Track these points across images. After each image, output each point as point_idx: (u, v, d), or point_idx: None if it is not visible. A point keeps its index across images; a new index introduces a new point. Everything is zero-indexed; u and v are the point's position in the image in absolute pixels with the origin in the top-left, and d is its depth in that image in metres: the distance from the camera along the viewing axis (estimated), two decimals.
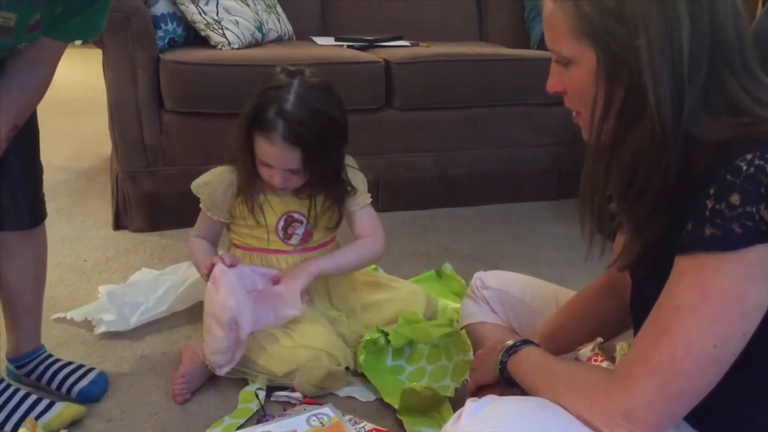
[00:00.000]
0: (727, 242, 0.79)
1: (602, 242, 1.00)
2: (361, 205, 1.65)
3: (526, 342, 1.14)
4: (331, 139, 1.49)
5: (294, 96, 1.44)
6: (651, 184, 0.89)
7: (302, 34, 2.91)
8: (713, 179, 0.81)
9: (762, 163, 0.78)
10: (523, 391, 1.09)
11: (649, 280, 0.97)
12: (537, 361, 1.07)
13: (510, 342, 1.14)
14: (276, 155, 1.46)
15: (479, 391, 1.21)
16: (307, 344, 1.50)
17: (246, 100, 1.49)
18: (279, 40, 2.75)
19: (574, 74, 0.93)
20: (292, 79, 1.46)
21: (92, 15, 1.29)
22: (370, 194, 1.67)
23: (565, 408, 0.91)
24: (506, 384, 1.15)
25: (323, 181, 1.56)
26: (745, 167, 0.79)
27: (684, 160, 0.87)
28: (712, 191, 0.81)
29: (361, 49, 2.67)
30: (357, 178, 1.64)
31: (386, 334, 1.56)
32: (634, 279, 1.06)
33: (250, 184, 1.56)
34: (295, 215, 1.61)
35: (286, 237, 1.61)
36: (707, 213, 0.81)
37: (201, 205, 1.63)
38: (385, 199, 2.59)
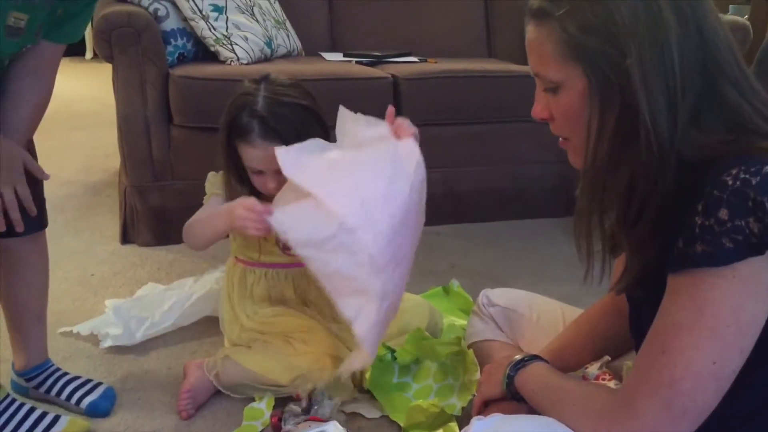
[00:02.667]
0: (719, 257, 0.79)
1: (601, 264, 0.98)
2: None
3: (534, 358, 1.13)
4: (308, 127, 1.48)
5: (262, 97, 1.47)
6: (649, 204, 0.88)
7: (311, 50, 2.93)
8: (700, 196, 0.81)
9: (747, 176, 0.78)
10: (530, 407, 1.08)
11: (644, 302, 0.96)
12: (544, 378, 1.06)
13: (518, 357, 1.14)
14: (260, 157, 1.46)
15: (486, 406, 1.20)
16: (310, 350, 1.51)
17: (221, 119, 1.52)
18: (288, 55, 2.76)
19: (563, 99, 0.92)
20: (258, 84, 1.50)
21: (84, 16, 1.32)
22: None
23: (571, 429, 0.90)
24: (513, 399, 1.14)
25: None
26: (730, 182, 0.79)
27: (673, 179, 0.86)
28: (700, 208, 0.80)
29: (370, 65, 2.68)
30: None
31: (393, 351, 1.55)
32: (630, 302, 1.05)
33: None
34: None
35: (286, 248, 1.61)
36: (697, 230, 0.80)
37: (213, 190, 1.60)
38: None
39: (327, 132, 1.53)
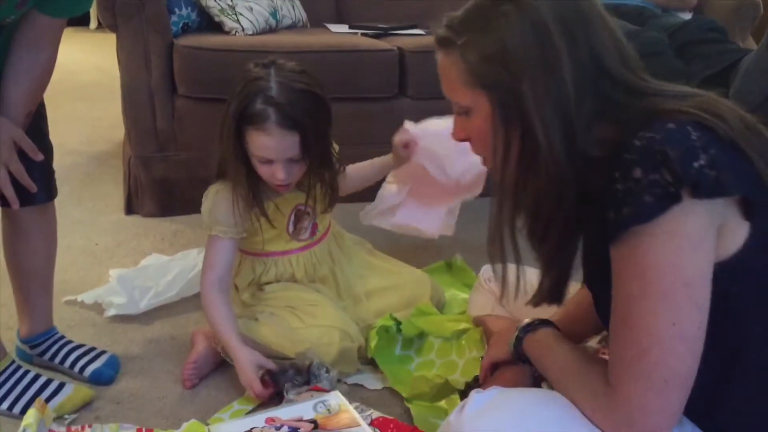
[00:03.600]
0: (644, 213, 0.81)
1: (516, 280, 1.03)
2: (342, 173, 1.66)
3: (544, 322, 1.13)
4: (321, 117, 1.46)
5: (275, 83, 1.41)
6: (554, 222, 0.94)
7: (316, 21, 2.90)
8: (616, 166, 0.84)
9: (651, 134, 0.82)
10: (536, 371, 1.09)
11: (602, 288, 0.97)
12: (552, 346, 1.06)
13: (529, 320, 1.14)
14: (274, 145, 1.41)
15: (495, 369, 1.22)
16: (318, 323, 1.51)
17: (226, 104, 1.45)
18: (293, 26, 2.74)
19: (474, 122, 0.96)
20: (268, 69, 1.44)
21: None
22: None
23: (574, 404, 0.90)
24: (519, 361, 1.15)
25: (321, 165, 1.53)
26: (638, 143, 0.82)
27: (591, 174, 0.89)
28: (617, 175, 0.83)
29: (375, 37, 2.66)
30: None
31: (399, 323, 1.55)
32: (591, 290, 1.05)
33: (254, 195, 1.51)
34: (301, 207, 1.60)
35: (296, 233, 1.61)
36: (620, 195, 0.83)
37: (215, 233, 1.51)
38: None
39: (331, 120, 1.52)
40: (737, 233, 0.84)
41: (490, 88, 0.92)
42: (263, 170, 1.46)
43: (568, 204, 0.91)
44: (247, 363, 1.42)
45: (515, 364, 1.18)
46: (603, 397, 0.86)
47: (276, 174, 1.44)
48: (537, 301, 1.06)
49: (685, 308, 0.82)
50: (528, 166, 0.92)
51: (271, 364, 1.44)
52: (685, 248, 0.81)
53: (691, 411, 0.88)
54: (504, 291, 1.05)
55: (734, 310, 0.85)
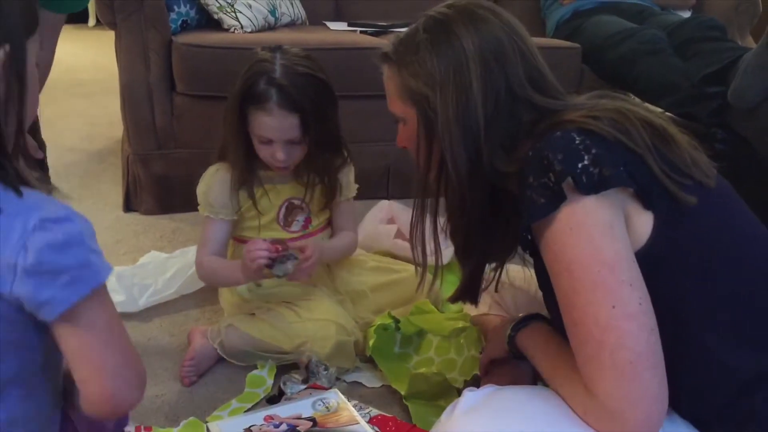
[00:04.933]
0: (538, 212, 0.90)
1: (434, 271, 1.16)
2: (347, 196, 1.66)
3: (535, 317, 1.14)
4: (323, 101, 1.49)
5: (280, 66, 1.46)
6: (460, 227, 1.08)
7: (315, 18, 2.90)
8: (520, 181, 0.94)
9: (540, 144, 0.92)
10: (532, 367, 1.11)
11: (545, 290, 1.04)
12: (542, 341, 1.08)
13: (521, 315, 1.16)
14: (275, 126, 1.45)
15: (492, 365, 1.25)
16: (314, 317, 1.52)
17: (232, 85, 1.50)
18: (292, 24, 2.74)
19: (407, 131, 1.10)
20: (274, 52, 1.49)
21: None
22: (357, 186, 1.68)
23: (567, 403, 0.90)
24: (516, 358, 1.17)
25: (322, 152, 1.55)
26: (531, 153, 0.93)
27: (502, 188, 1.02)
28: (521, 186, 0.94)
29: (374, 34, 2.66)
30: (350, 171, 1.65)
31: (397, 321, 1.55)
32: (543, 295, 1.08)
33: (248, 175, 1.55)
34: (295, 201, 1.61)
35: (287, 225, 1.62)
36: (523, 201, 0.93)
37: (207, 214, 1.57)
38: (395, 187, 2.58)
39: (337, 106, 1.53)
40: (643, 222, 0.91)
41: (418, 103, 1.04)
42: (263, 151, 1.50)
43: (475, 211, 1.04)
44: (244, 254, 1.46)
45: (512, 361, 1.19)
46: (590, 399, 0.87)
47: (275, 155, 1.48)
48: (454, 297, 1.22)
49: (617, 290, 0.85)
50: (444, 175, 1.04)
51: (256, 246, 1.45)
52: (596, 236, 0.87)
53: None
54: (421, 278, 1.18)
55: (662, 297, 0.89)
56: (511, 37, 1.03)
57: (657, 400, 0.84)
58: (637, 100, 1.00)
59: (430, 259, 1.15)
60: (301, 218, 1.63)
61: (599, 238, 0.87)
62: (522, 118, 1.01)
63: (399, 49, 1.08)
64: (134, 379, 0.85)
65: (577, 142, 0.90)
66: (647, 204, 0.91)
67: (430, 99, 1.02)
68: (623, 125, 0.93)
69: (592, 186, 0.87)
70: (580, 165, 0.88)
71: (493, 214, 1.06)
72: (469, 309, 1.57)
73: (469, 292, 1.20)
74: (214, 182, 1.56)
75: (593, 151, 0.89)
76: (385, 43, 1.14)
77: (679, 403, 0.92)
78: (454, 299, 1.22)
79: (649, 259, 0.89)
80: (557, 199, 0.88)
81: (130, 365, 0.85)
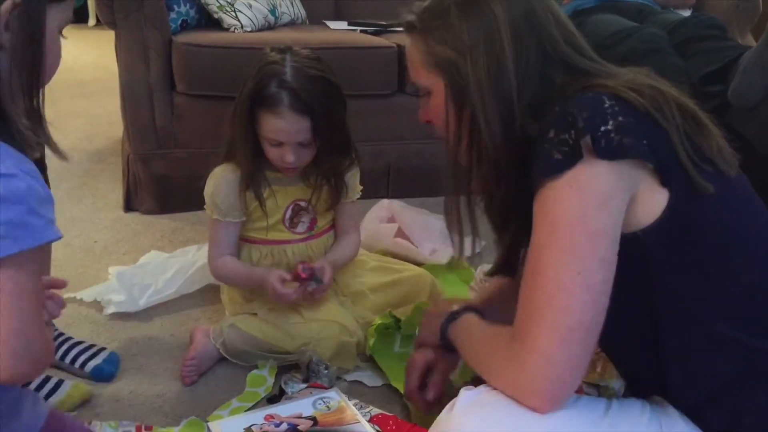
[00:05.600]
0: (552, 168, 0.88)
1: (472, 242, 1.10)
2: (352, 198, 1.66)
3: (467, 309, 1.16)
4: (333, 103, 1.49)
5: (290, 68, 1.46)
6: (495, 198, 1.05)
7: (315, 18, 2.90)
8: (540, 134, 0.92)
9: (568, 102, 0.90)
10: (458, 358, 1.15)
11: None
12: (472, 331, 1.09)
13: (454, 308, 1.17)
14: (286, 128, 1.45)
15: (421, 346, 1.28)
16: (317, 318, 1.52)
17: (241, 86, 1.49)
18: (292, 23, 2.74)
19: (433, 103, 1.05)
20: (284, 54, 1.48)
21: None
22: (361, 187, 1.68)
23: (490, 381, 0.93)
24: (446, 350, 1.19)
25: (330, 153, 1.55)
26: (557, 109, 0.91)
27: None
28: (540, 139, 0.91)
29: (374, 34, 2.66)
30: (356, 174, 1.65)
31: (398, 320, 1.55)
32: None
33: (255, 175, 1.54)
34: (302, 203, 1.60)
35: (292, 226, 1.61)
36: (537, 154, 0.90)
37: (215, 216, 1.56)
38: (396, 186, 2.58)
39: (346, 108, 1.53)
40: (656, 200, 0.89)
41: (446, 69, 1.00)
42: (273, 152, 1.49)
43: (510, 179, 0.99)
44: (275, 273, 1.50)
45: (441, 350, 1.22)
46: (511, 359, 0.88)
47: (285, 157, 1.48)
48: (492, 272, 1.16)
49: (588, 260, 0.86)
50: (476, 145, 1.00)
51: (284, 292, 1.49)
52: (591, 203, 0.87)
53: (648, 388, 0.94)
54: (459, 257, 1.13)
55: (658, 272, 0.89)
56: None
57: (574, 372, 0.86)
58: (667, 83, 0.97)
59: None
60: (306, 219, 1.63)
61: (593, 207, 0.87)
62: (555, 79, 0.98)
63: (424, 16, 1.04)
64: (22, 351, 0.80)
65: (606, 105, 0.88)
66: (665, 180, 0.89)
67: (459, 65, 0.98)
68: (658, 102, 0.91)
69: (608, 151, 0.86)
70: (602, 128, 0.86)
71: (527, 184, 1.00)
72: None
73: (507, 266, 1.15)
74: (221, 183, 1.55)
75: (620, 118, 0.87)
76: (404, 15, 1.09)
77: (679, 389, 0.93)
78: (492, 273, 1.18)
79: (662, 232, 0.89)
80: (574, 157, 0.87)
81: (21, 336, 0.79)
